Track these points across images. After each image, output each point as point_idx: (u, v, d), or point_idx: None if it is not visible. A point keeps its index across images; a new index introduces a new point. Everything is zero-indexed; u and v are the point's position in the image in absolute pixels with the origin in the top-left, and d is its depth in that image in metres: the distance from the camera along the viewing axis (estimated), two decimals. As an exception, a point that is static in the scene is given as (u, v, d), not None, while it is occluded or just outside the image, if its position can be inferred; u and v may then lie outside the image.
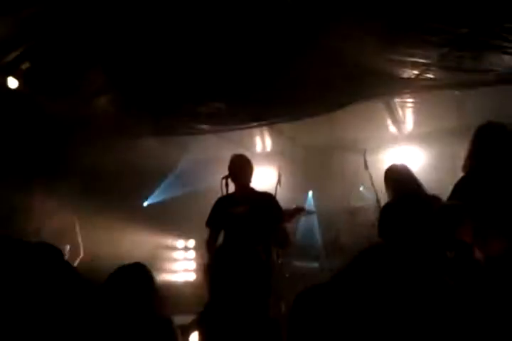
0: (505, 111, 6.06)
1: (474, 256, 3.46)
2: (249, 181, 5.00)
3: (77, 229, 5.28)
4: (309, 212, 5.89)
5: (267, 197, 5.03)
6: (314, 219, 7.60)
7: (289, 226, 6.42)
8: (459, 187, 3.84)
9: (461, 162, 4.91)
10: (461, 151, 5.78)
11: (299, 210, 5.27)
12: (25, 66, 4.67)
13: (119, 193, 6.94)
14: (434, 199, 4.72)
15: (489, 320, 2.06)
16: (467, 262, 3.42)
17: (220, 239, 4.96)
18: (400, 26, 3.89)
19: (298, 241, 6.67)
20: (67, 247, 5.15)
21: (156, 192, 8.19)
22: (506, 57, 4.21)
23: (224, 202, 4.90)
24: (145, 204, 8.63)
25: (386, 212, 4.67)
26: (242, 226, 4.77)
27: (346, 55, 4.37)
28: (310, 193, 7.99)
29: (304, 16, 4.11)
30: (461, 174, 4.01)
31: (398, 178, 4.72)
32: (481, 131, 4.07)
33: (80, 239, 5.27)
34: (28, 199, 5.27)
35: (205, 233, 5.22)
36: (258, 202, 4.88)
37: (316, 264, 7.19)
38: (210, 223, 5.01)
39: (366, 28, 3.93)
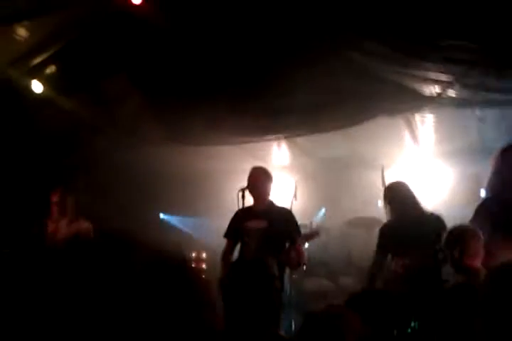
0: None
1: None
2: (268, 194, 4.98)
3: (92, 234, 5.29)
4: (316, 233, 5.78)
5: (286, 213, 4.98)
6: (328, 235, 7.55)
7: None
8: (483, 209, 3.81)
9: (480, 180, 4.89)
10: (481, 170, 5.77)
11: (315, 234, 5.22)
12: (50, 70, 4.77)
13: (136, 201, 6.98)
14: (432, 217, 4.74)
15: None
16: (474, 287, 3.37)
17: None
18: (424, 43, 3.89)
19: (311, 257, 6.61)
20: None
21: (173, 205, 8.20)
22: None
23: (242, 215, 4.88)
24: (161, 216, 8.67)
25: (384, 231, 4.76)
26: (258, 240, 4.74)
27: (369, 70, 4.39)
28: (323, 210, 7.94)
29: (328, 30, 4.15)
30: (479, 193, 3.99)
31: (396, 197, 4.76)
32: (503, 153, 4.06)
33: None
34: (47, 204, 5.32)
35: (218, 245, 5.22)
36: (276, 217, 4.81)
37: (327, 282, 7.13)
38: (227, 235, 5.00)
39: (390, 44, 3.95)
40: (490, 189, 3.93)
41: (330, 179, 7.83)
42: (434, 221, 4.75)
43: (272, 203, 4.99)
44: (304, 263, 4.87)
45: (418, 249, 4.54)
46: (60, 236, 5.12)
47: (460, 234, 3.62)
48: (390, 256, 4.79)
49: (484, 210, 3.78)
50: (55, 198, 5.18)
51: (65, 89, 4.93)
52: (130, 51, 4.61)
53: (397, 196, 4.79)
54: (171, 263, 0.93)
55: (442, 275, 4.56)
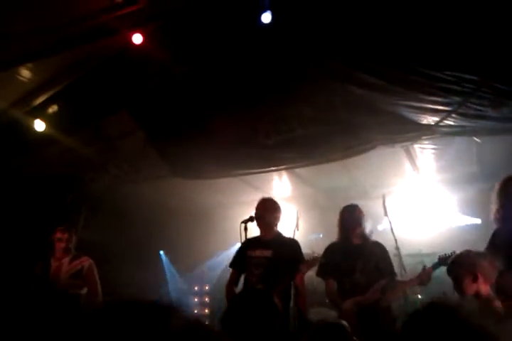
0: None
1: (493, 306, 3.38)
2: (275, 225, 5.00)
3: (95, 271, 5.27)
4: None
5: (292, 243, 5.00)
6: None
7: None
8: (496, 239, 3.89)
9: (482, 207, 4.94)
10: (482, 197, 5.80)
11: (316, 260, 5.22)
12: (52, 109, 4.83)
13: (137, 238, 6.97)
14: (374, 243, 5.00)
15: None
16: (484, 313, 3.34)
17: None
18: (421, 75, 3.96)
19: (315, 287, 6.55)
20: (85, 289, 5.12)
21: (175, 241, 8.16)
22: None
23: (248, 244, 4.88)
24: (161, 252, 8.63)
25: (327, 251, 5.05)
26: (262, 269, 4.74)
27: (367, 101, 4.45)
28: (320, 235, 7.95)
29: (325, 63, 4.24)
30: (484, 220, 4.03)
31: (340, 221, 5.11)
32: (506, 183, 4.16)
33: (97, 281, 5.25)
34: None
35: (220, 279, 5.20)
36: (281, 246, 4.84)
37: (331, 311, 7.03)
38: (232, 264, 5.02)
39: (387, 76, 4.02)
40: (498, 220, 4.04)
41: (331, 209, 7.81)
42: (376, 246, 4.91)
43: (279, 233, 5.01)
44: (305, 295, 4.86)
45: (362, 276, 4.69)
46: (64, 273, 5.09)
47: (472, 257, 3.58)
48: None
49: (497, 240, 3.87)
50: (58, 236, 5.18)
51: (67, 128, 4.98)
52: (131, 88, 4.68)
53: (344, 220, 5.07)
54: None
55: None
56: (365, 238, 5.04)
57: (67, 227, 5.24)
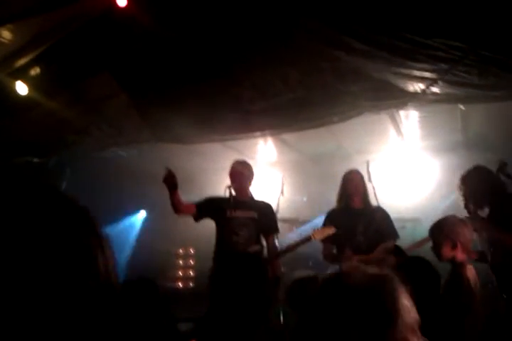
0: (508, 123, 6.14)
1: (464, 272, 3.49)
2: (248, 187, 5.07)
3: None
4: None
5: (268, 206, 5.16)
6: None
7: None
8: None
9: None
10: (465, 164, 5.88)
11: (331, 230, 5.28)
12: (35, 71, 4.72)
13: (119, 198, 6.97)
14: (376, 209, 5.12)
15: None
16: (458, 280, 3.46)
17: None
18: (408, 42, 3.92)
19: (297, 250, 6.67)
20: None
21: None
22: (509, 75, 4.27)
23: (225, 203, 4.92)
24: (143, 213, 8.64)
25: (329, 216, 5.18)
26: (249, 230, 4.83)
27: (354, 67, 4.41)
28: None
29: (313, 28, 4.17)
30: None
31: (341, 186, 5.18)
32: (469, 175, 4.36)
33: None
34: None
35: (205, 242, 5.25)
36: (262, 209, 5.01)
37: (314, 273, 7.16)
38: (199, 203, 5.03)
39: (375, 42, 3.98)
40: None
41: (316, 174, 7.88)
42: (377, 211, 5.02)
43: (252, 196, 5.10)
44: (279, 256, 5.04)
45: (366, 239, 4.80)
46: None
47: (454, 224, 3.67)
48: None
49: None
50: None
51: (50, 90, 4.88)
52: (114, 51, 4.58)
53: (345, 185, 5.15)
54: None
55: None
56: (366, 203, 5.11)
57: None
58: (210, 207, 4.96)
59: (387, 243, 4.88)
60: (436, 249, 3.64)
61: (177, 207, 4.80)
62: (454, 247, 3.54)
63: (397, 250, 3.64)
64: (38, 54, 4.38)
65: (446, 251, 3.57)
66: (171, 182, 4.69)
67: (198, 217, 5.04)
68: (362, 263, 4.76)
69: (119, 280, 0.97)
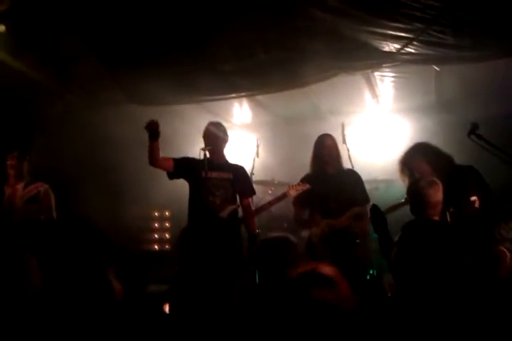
0: (480, 86, 6.19)
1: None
2: (223, 149, 5.06)
3: (51, 195, 5.19)
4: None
5: (242, 168, 5.20)
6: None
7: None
8: None
9: (437, 136, 5.11)
10: (438, 127, 5.95)
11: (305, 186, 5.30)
12: (0, 29, 4.54)
13: (93, 162, 6.89)
14: (349, 171, 5.17)
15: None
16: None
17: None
18: (383, 0, 3.88)
19: (272, 212, 6.73)
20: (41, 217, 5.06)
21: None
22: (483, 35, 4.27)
23: (194, 164, 4.90)
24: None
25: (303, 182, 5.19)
26: (225, 191, 4.86)
27: (329, 26, 4.35)
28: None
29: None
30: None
31: (314, 151, 5.21)
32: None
33: (53, 206, 5.19)
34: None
35: (181, 205, 5.25)
36: (236, 171, 5.07)
37: (289, 235, 7.26)
38: (175, 160, 4.97)
39: (350, 1, 3.92)
40: None
41: (291, 135, 7.87)
42: (350, 175, 5.08)
43: (227, 159, 5.11)
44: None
45: (337, 203, 4.87)
46: (18, 199, 5.03)
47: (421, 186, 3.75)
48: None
49: None
50: (9, 162, 5.07)
51: (18, 50, 4.72)
52: (83, 12, 4.41)
53: (317, 150, 5.19)
54: None
55: None
56: (339, 167, 5.14)
57: (19, 153, 5.11)
58: (187, 166, 4.92)
59: (356, 208, 4.95)
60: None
61: (155, 158, 4.69)
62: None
63: (375, 209, 3.70)
64: (3, 11, 4.20)
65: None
66: (153, 128, 4.57)
67: (173, 174, 4.97)
68: (330, 227, 4.88)
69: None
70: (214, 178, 4.87)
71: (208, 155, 4.81)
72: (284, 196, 5.08)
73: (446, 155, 4.38)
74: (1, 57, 4.67)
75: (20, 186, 5.09)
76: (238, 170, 5.09)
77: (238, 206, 4.99)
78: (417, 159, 4.37)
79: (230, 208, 4.84)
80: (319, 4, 4.10)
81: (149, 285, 5.89)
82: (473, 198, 3.96)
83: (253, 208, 5.15)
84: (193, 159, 4.97)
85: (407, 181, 4.34)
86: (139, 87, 5.47)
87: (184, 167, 4.93)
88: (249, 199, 5.11)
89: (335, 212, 4.94)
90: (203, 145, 4.95)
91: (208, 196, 4.84)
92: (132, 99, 5.86)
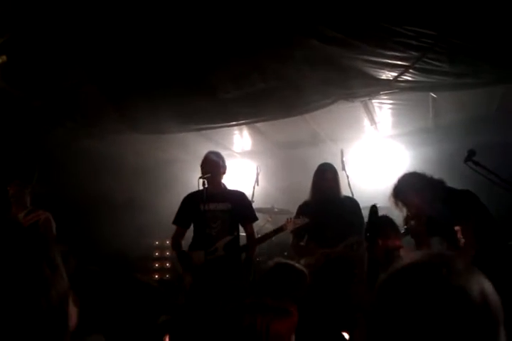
0: (477, 112, 6.25)
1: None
2: (221, 177, 5.07)
3: (51, 223, 5.19)
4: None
5: (242, 195, 5.16)
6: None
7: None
8: None
9: (435, 163, 5.09)
10: (436, 153, 5.96)
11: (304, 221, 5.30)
12: (1, 60, 4.60)
13: (95, 189, 6.89)
14: (347, 199, 5.18)
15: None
16: None
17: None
18: (380, 28, 3.95)
19: (273, 239, 6.70)
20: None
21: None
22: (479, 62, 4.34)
23: (196, 199, 4.92)
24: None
25: (301, 208, 5.23)
26: (224, 222, 4.84)
27: (327, 55, 4.42)
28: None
29: (284, 17, 4.15)
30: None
31: (314, 179, 5.21)
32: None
33: (54, 233, 5.19)
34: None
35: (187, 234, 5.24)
36: (236, 199, 5.01)
37: (290, 262, 7.21)
38: (177, 221, 5.08)
39: (347, 29, 3.99)
40: None
41: (290, 163, 7.90)
42: (348, 203, 5.07)
43: (225, 186, 5.10)
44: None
45: (333, 232, 4.84)
46: None
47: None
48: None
49: None
50: (11, 191, 5.09)
51: (19, 80, 4.78)
52: (85, 44, 4.48)
53: (317, 178, 5.17)
54: None
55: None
56: (337, 196, 5.13)
57: (20, 182, 5.15)
58: (187, 214, 5.04)
59: (353, 238, 4.92)
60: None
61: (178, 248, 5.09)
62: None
63: (374, 210, 3.70)
64: (4, 41, 4.27)
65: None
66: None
67: (184, 232, 5.14)
68: (325, 256, 4.84)
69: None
70: (211, 210, 4.86)
71: (206, 184, 4.82)
72: (281, 229, 5.02)
73: (437, 181, 4.16)
74: (4, 88, 4.73)
75: (21, 215, 5.11)
76: (238, 197, 5.07)
77: (238, 235, 4.97)
78: (407, 191, 4.18)
79: (226, 239, 4.83)
80: (316, 34, 4.17)
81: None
82: (457, 228, 3.88)
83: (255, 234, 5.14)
84: (190, 195, 5.06)
85: (404, 211, 4.27)
86: (140, 116, 5.53)
87: (187, 219, 5.06)
88: (251, 225, 5.07)
89: (331, 240, 4.90)
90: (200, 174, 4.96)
91: (205, 228, 4.84)
92: (134, 128, 5.90)
